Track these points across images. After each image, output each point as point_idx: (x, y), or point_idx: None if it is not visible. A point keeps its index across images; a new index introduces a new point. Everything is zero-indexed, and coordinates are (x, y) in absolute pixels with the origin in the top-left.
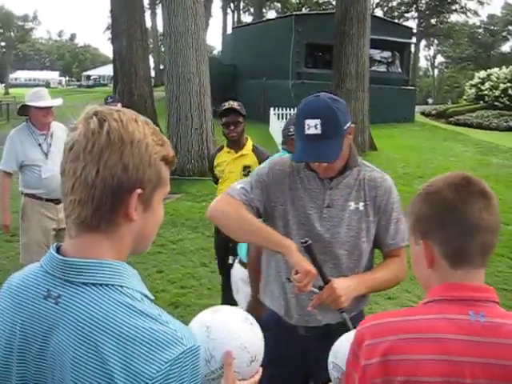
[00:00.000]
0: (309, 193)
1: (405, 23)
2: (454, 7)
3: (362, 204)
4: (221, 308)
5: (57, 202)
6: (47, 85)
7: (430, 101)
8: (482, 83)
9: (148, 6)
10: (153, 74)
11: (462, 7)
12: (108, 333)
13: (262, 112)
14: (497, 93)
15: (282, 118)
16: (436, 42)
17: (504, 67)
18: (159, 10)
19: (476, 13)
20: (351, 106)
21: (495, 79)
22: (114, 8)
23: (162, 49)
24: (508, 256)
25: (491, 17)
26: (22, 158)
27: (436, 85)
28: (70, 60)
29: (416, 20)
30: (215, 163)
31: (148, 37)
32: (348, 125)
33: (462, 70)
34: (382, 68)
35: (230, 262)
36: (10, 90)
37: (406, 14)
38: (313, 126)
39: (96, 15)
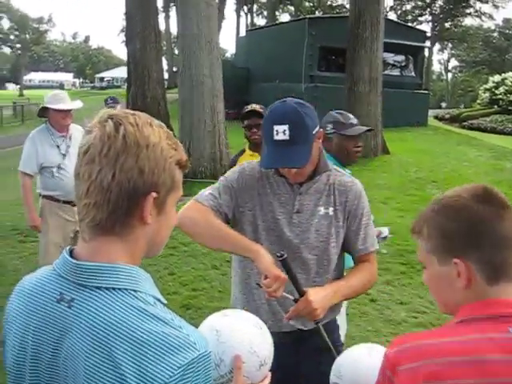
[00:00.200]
0: (278, 198)
1: (419, 27)
2: (468, 11)
3: (331, 209)
4: (230, 312)
5: (74, 204)
6: (61, 86)
7: (444, 105)
8: (497, 87)
9: (162, 9)
10: (166, 76)
11: (476, 11)
12: (121, 337)
13: None
14: (511, 97)
15: None
16: (450, 45)
17: None
18: (173, 13)
19: (491, 16)
20: (364, 110)
21: (510, 83)
22: (128, 10)
23: (176, 51)
24: None
25: (506, 21)
26: (42, 160)
27: (449, 89)
28: (84, 62)
29: (430, 23)
30: None
31: (162, 39)
32: (317, 129)
33: (476, 74)
34: (396, 72)
35: None
36: (25, 92)
37: (419, 18)
38: (281, 132)
39: (110, 18)
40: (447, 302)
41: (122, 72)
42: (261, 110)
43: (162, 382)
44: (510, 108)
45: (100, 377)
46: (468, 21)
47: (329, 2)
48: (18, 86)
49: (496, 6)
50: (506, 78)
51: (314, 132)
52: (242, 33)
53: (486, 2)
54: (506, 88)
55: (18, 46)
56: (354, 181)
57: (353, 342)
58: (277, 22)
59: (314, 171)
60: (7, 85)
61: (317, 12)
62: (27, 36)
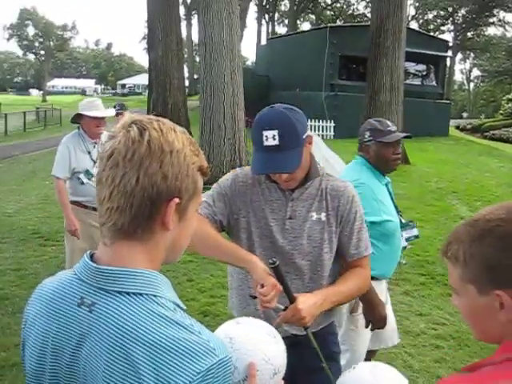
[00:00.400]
0: (270, 204)
1: (441, 36)
2: (491, 20)
3: (324, 214)
4: (244, 319)
5: None
6: (83, 92)
7: (465, 115)
8: None
9: (184, 17)
10: (187, 83)
11: (499, 20)
12: (141, 342)
13: None
14: None
15: (315, 130)
16: (472, 55)
17: None
18: (194, 21)
19: None
20: (385, 119)
21: None
22: (151, 18)
23: (197, 59)
24: None
25: None
26: (74, 165)
27: (471, 99)
28: (106, 69)
29: (452, 33)
30: None
31: (183, 47)
32: (306, 134)
33: (498, 84)
34: (417, 81)
35: None
36: (48, 98)
37: (441, 27)
38: (271, 138)
39: (132, 25)
40: (486, 332)
41: (143, 79)
42: None
43: None
44: None
45: (119, 381)
46: (491, 30)
47: (350, 11)
48: (41, 92)
49: None
50: None
51: (303, 136)
52: (263, 41)
53: (511, 11)
54: None
55: (42, 52)
56: (347, 185)
57: (371, 352)
58: (298, 30)
59: (306, 176)
60: (31, 90)
61: (338, 21)
62: (51, 43)
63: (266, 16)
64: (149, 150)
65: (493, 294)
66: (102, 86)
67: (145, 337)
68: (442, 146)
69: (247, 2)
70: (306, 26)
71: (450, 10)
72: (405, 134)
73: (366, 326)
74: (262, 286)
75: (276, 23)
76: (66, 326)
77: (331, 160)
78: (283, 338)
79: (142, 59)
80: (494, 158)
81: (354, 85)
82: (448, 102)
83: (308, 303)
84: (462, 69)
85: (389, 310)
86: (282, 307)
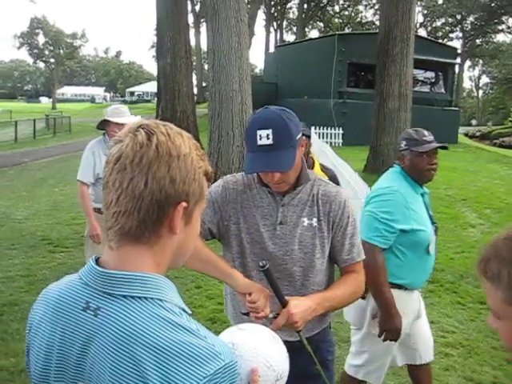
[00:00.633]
0: (261, 210)
1: (449, 43)
2: (500, 27)
3: (315, 220)
4: (247, 325)
5: None
6: (92, 100)
7: (474, 122)
8: None
9: (192, 25)
10: (195, 91)
11: (508, 27)
12: (147, 346)
13: None
14: None
15: (324, 137)
16: (481, 62)
17: None
18: (203, 29)
19: None
20: (393, 127)
21: None
22: (159, 26)
23: (205, 66)
24: None
25: None
26: (98, 171)
27: (480, 106)
28: (115, 76)
29: (461, 40)
30: None
31: (192, 54)
32: (299, 136)
33: (507, 91)
34: (426, 88)
35: None
36: (57, 105)
37: (450, 34)
38: (265, 137)
39: (141, 33)
40: None
41: (152, 87)
42: (302, 128)
43: None
44: None
45: None
46: (500, 37)
47: (358, 19)
48: (51, 100)
49: None
50: None
51: (297, 138)
52: (271, 49)
53: None
54: None
55: (52, 60)
56: (339, 190)
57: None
58: (306, 38)
59: (297, 181)
60: (41, 98)
61: (346, 28)
62: (61, 51)
63: (275, 24)
64: (157, 154)
65: None
66: (111, 94)
67: (151, 341)
68: (450, 154)
69: (255, 10)
70: (314, 34)
71: (459, 17)
72: (440, 145)
73: (379, 336)
74: (250, 295)
75: (284, 31)
76: (71, 331)
77: (340, 168)
78: None
79: (151, 67)
80: (504, 165)
81: (363, 92)
82: (457, 109)
83: (301, 307)
84: (470, 76)
85: (423, 324)
86: (272, 316)
